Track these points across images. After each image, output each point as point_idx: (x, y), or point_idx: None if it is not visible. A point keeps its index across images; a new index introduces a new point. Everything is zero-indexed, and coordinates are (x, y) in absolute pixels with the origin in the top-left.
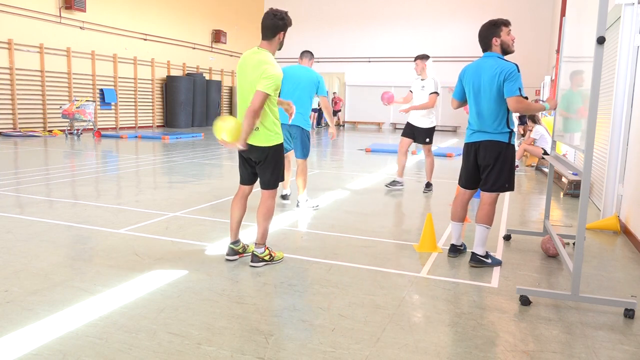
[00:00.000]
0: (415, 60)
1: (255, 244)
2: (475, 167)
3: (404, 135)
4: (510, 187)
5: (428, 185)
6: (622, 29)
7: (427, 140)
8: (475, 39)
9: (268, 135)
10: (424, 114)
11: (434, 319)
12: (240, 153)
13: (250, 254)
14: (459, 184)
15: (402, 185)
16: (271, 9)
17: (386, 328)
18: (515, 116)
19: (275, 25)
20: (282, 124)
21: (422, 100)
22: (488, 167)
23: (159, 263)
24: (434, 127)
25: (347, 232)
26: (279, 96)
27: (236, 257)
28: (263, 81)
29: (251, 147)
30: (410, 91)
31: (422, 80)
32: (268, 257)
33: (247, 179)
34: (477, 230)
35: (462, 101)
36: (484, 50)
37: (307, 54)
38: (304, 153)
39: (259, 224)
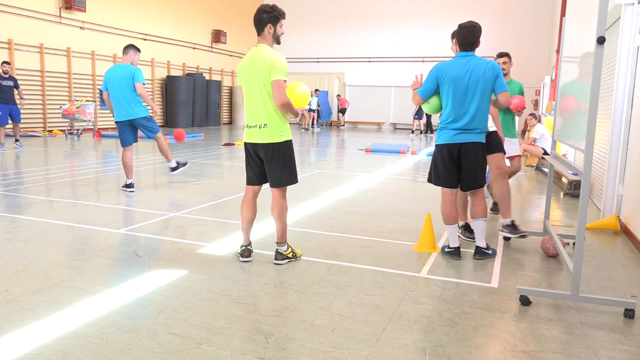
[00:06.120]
0: None
1: (277, 242)
2: (456, 167)
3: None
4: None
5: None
6: (622, 29)
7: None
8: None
9: (275, 132)
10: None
11: (434, 319)
12: (247, 152)
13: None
14: (442, 185)
15: None
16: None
17: (386, 328)
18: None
19: (260, 19)
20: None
21: None
22: (475, 167)
23: (159, 263)
24: None
25: (347, 232)
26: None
27: (250, 258)
28: (275, 71)
29: (258, 145)
30: None
31: None
32: (291, 254)
33: (254, 178)
34: (478, 225)
35: (426, 100)
36: (472, 50)
37: (126, 49)
38: (153, 132)
39: (276, 223)
